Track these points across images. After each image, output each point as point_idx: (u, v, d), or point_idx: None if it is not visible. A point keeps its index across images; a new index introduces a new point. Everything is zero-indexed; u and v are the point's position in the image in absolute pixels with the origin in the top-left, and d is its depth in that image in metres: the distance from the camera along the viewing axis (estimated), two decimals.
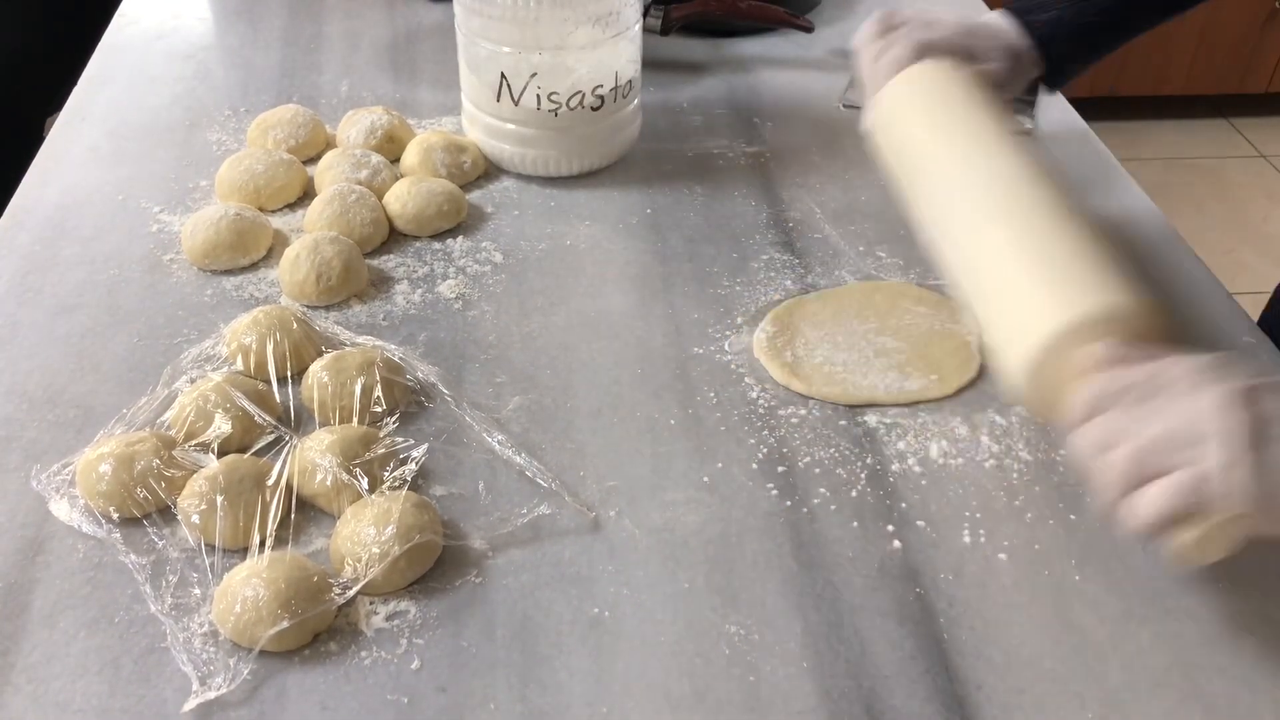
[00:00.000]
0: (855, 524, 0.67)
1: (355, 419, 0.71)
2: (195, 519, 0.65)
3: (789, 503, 0.69)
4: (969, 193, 0.74)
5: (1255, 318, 0.84)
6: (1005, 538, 0.67)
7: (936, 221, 0.76)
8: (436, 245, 0.90)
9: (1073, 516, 0.68)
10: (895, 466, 0.71)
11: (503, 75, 0.92)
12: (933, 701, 0.58)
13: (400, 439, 0.71)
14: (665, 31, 1.14)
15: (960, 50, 0.82)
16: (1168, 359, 0.59)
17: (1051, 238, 0.68)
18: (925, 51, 0.82)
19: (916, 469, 0.71)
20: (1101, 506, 0.59)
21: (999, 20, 0.86)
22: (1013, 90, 0.86)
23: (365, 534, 0.63)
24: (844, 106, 1.08)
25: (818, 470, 0.71)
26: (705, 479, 0.70)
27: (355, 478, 0.66)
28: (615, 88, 0.94)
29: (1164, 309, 0.64)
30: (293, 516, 0.66)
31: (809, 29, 1.18)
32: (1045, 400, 0.64)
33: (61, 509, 0.66)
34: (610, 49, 0.92)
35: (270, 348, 0.75)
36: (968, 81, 0.80)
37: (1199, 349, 0.60)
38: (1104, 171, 1.00)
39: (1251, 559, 0.65)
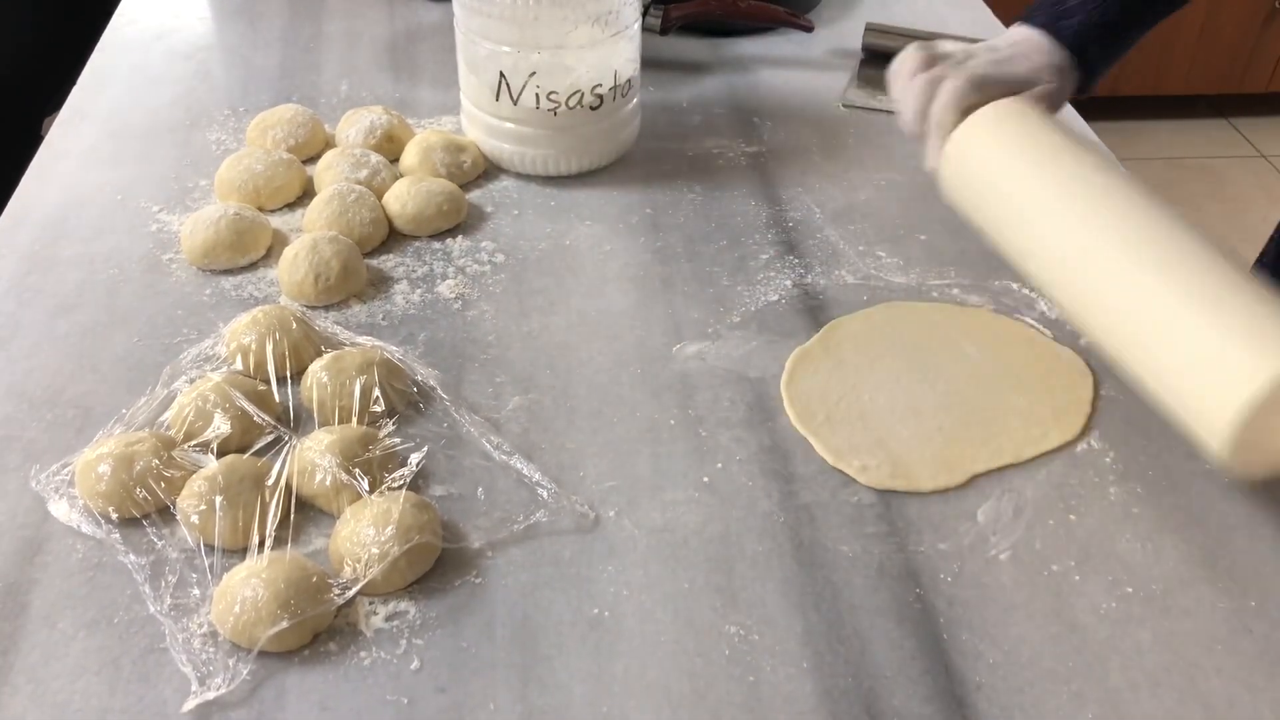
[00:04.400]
0: (855, 524, 0.67)
1: (355, 419, 0.71)
2: (194, 519, 0.64)
3: (789, 503, 0.69)
4: (1106, 239, 0.67)
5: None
6: (1005, 538, 0.67)
7: (1063, 272, 0.70)
8: (436, 245, 0.90)
9: (1073, 517, 0.68)
10: None
11: (502, 75, 0.92)
12: (933, 701, 0.58)
13: (400, 439, 0.71)
14: (665, 31, 1.14)
15: (1013, 79, 0.80)
16: None
17: (1221, 282, 0.62)
18: (980, 85, 0.78)
19: None
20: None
21: (1029, 36, 0.83)
22: (1059, 104, 0.83)
23: (365, 534, 0.62)
24: (844, 106, 1.08)
25: (817, 470, 0.71)
26: (705, 479, 0.70)
27: (355, 478, 0.66)
28: (615, 87, 0.94)
29: None
30: (292, 516, 0.66)
31: (809, 29, 1.18)
32: (1259, 454, 0.59)
33: (61, 509, 0.66)
34: (609, 48, 0.92)
35: (270, 348, 0.75)
36: (1046, 117, 0.76)
37: None
38: None
39: (1251, 559, 0.66)
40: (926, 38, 1.12)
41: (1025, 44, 0.83)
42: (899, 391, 0.76)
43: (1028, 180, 0.73)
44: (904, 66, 0.82)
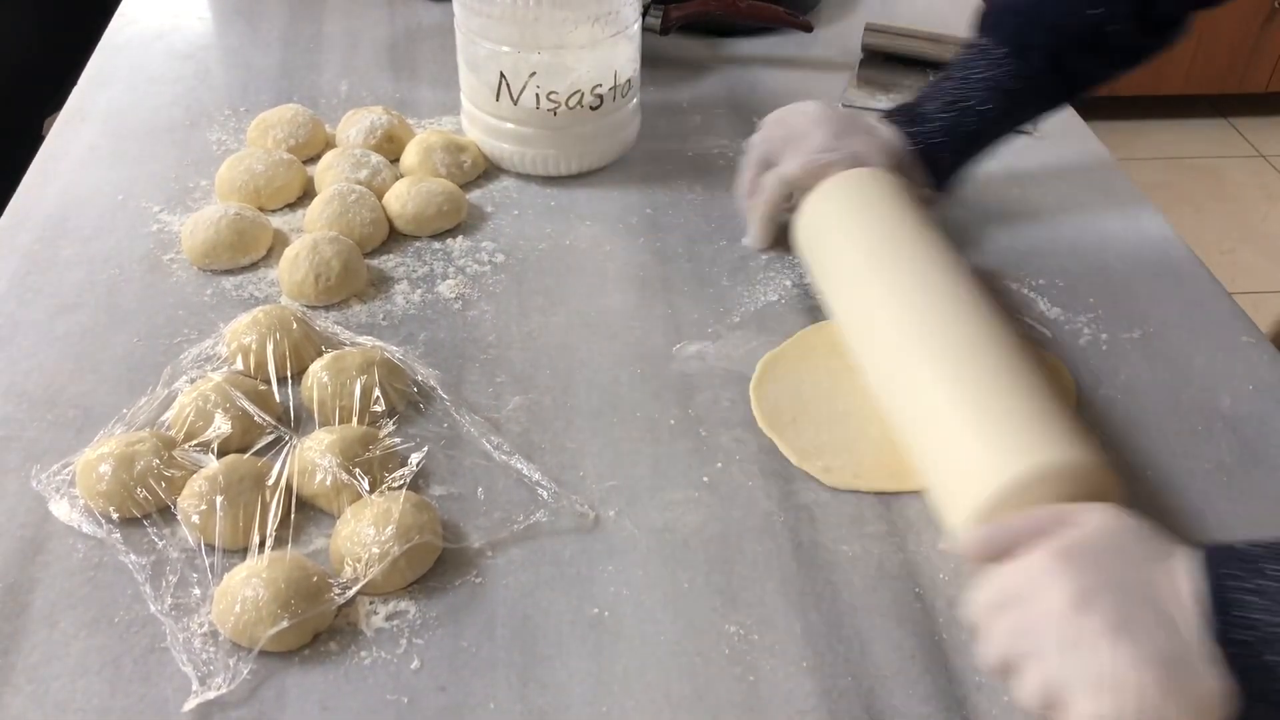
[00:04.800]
0: (855, 524, 0.67)
1: (355, 419, 0.71)
2: (195, 519, 0.65)
3: (789, 503, 0.69)
4: (899, 322, 0.71)
5: (1253, 317, 0.84)
6: None
7: (864, 346, 0.74)
8: (436, 245, 0.90)
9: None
10: None
11: (502, 75, 0.92)
12: (932, 701, 0.58)
13: (400, 439, 0.71)
14: (665, 31, 1.14)
15: (841, 161, 0.82)
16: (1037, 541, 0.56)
17: (991, 379, 0.65)
18: (802, 175, 0.83)
19: None
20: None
21: (878, 124, 0.87)
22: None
23: (365, 534, 0.63)
24: (843, 107, 1.08)
25: None
26: (705, 479, 0.70)
27: (355, 478, 0.66)
28: (614, 87, 0.94)
29: (1102, 469, 0.61)
30: (292, 516, 0.66)
31: (808, 29, 1.18)
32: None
33: (61, 509, 0.66)
34: (609, 48, 0.92)
35: (270, 348, 0.75)
36: (894, 189, 0.80)
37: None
38: (1103, 171, 1.00)
39: None
40: (926, 39, 1.12)
41: (867, 124, 0.86)
42: (870, 394, 0.75)
43: (844, 253, 0.78)
44: (750, 143, 0.89)
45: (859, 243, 0.77)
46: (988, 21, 0.87)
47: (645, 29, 1.10)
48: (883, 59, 1.15)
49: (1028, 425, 0.62)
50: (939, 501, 0.65)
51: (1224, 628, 0.51)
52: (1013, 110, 0.86)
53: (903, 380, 0.69)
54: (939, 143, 0.85)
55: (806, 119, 0.87)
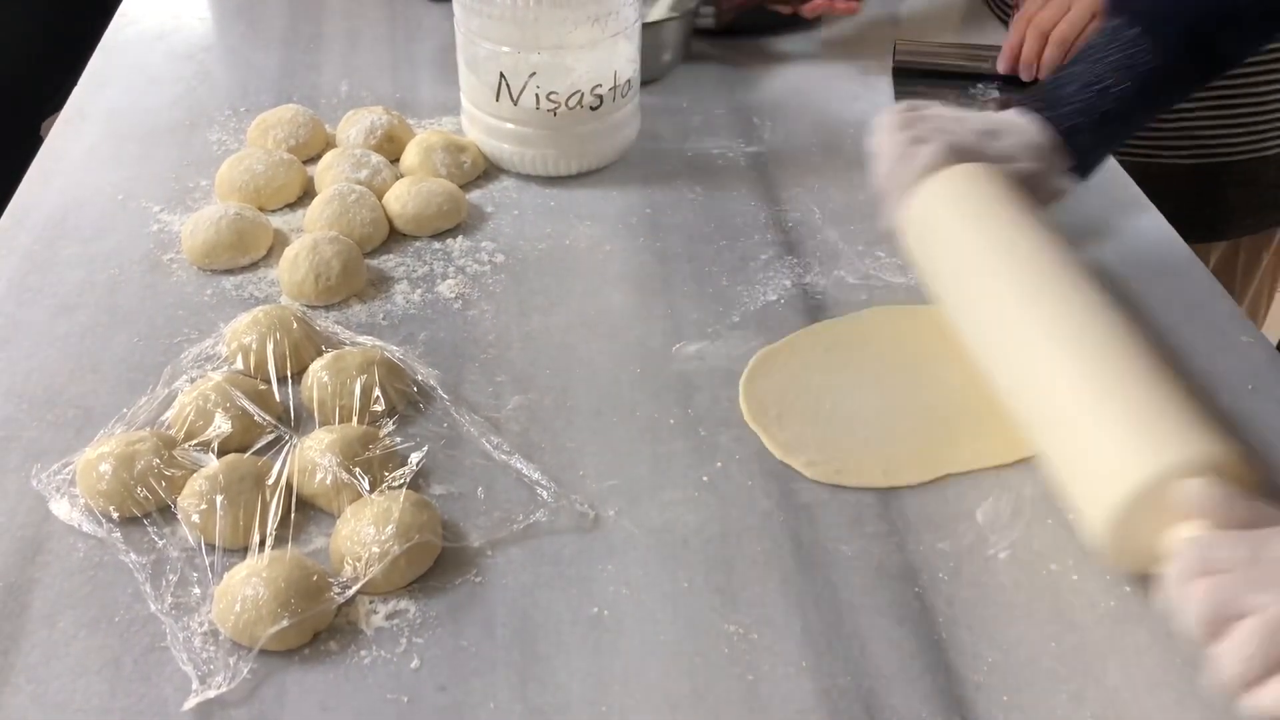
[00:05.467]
0: (854, 523, 0.67)
1: (355, 418, 0.71)
2: (195, 518, 0.65)
3: (788, 502, 0.69)
4: (1030, 314, 0.70)
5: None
6: (1004, 537, 0.67)
7: (987, 338, 0.72)
8: (436, 245, 0.90)
9: (1072, 516, 0.68)
10: None
11: (502, 75, 0.92)
12: (932, 701, 0.58)
13: (400, 439, 0.71)
14: (720, 27, 1.14)
15: (993, 153, 0.81)
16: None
17: (1130, 372, 0.64)
18: (958, 155, 0.80)
19: None
20: (1222, 680, 0.53)
21: (1019, 119, 0.84)
22: (1046, 187, 0.83)
23: (365, 533, 0.63)
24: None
25: None
26: (705, 479, 0.70)
27: (355, 477, 0.67)
28: (614, 87, 0.94)
29: (1257, 457, 0.60)
30: (292, 516, 0.66)
31: (854, 11, 1.18)
32: (1133, 550, 0.60)
33: (61, 508, 0.66)
34: (609, 48, 0.92)
35: (270, 347, 0.75)
36: (1009, 186, 0.78)
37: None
38: (1102, 171, 1.00)
39: None
40: (957, 49, 1.10)
41: (1013, 122, 0.84)
42: (864, 393, 0.75)
43: (968, 248, 0.75)
44: (889, 120, 0.84)
45: (983, 235, 0.75)
46: (1118, 1, 0.85)
47: (700, 29, 1.11)
48: (918, 75, 1.13)
49: (1179, 418, 0.61)
50: (1079, 499, 0.64)
51: None
52: (1151, 92, 0.84)
53: (1043, 373, 0.67)
54: (1079, 124, 0.83)
55: (946, 109, 0.85)
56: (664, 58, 1.10)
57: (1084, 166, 0.85)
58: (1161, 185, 1.00)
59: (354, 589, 0.61)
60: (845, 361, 0.78)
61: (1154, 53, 0.82)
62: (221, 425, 0.70)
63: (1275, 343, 0.84)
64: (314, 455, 0.67)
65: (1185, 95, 0.88)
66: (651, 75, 1.08)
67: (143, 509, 0.66)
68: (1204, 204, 1.21)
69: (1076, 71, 0.84)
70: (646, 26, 1.03)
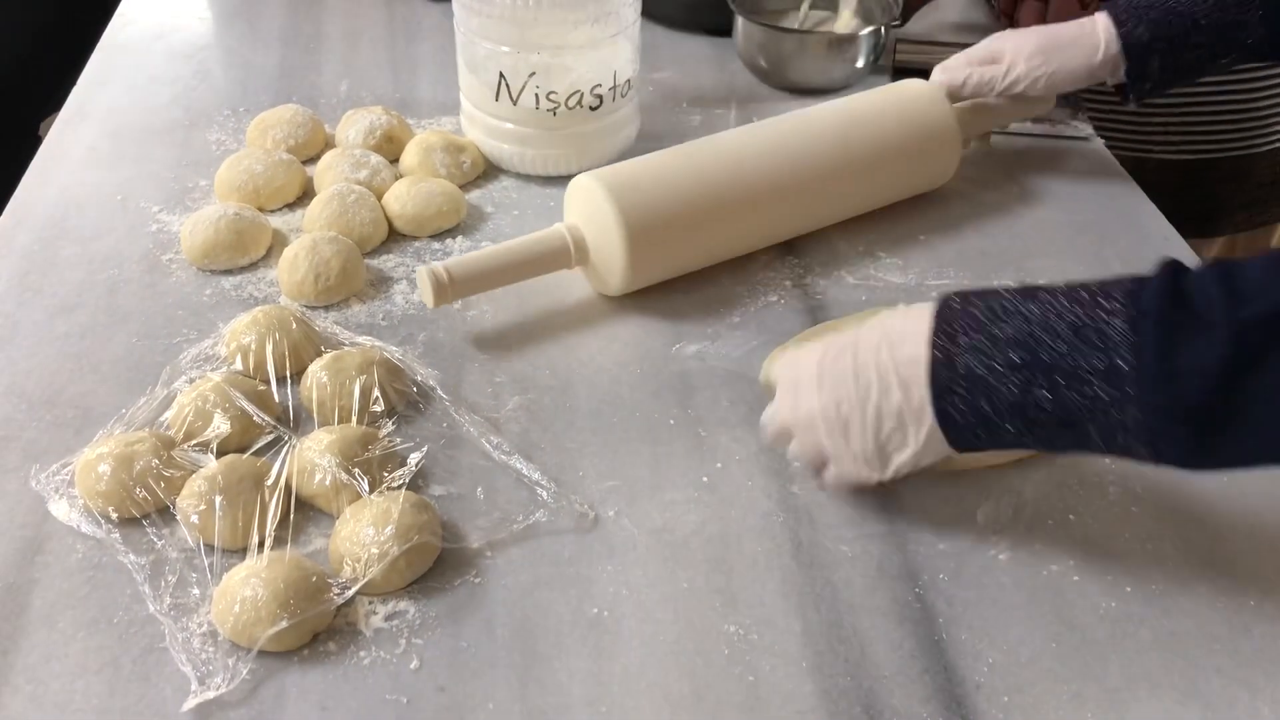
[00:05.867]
0: (854, 523, 0.67)
1: (354, 419, 0.71)
2: (194, 519, 0.64)
3: (788, 503, 0.69)
4: None
5: None
6: (1004, 537, 0.67)
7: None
8: (436, 245, 0.90)
9: (1072, 517, 0.68)
10: None
11: (501, 75, 0.92)
12: (932, 701, 0.58)
13: (399, 439, 0.71)
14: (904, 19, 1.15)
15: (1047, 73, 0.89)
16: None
17: None
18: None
19: None
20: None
21: (1094, 17, 0.89)
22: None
23: (364, 534, 0.63)
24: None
25: None
26: (705, 479, 0.70)
27: (354, 478, 0.66)
28: (614, 87, 0.94)
29: None
30: (292, 516, 0.66)
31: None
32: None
33: (60, 509, 0.66)
34: (609, 48, 0.92)
35: (269, 348, 0.75)
36: None
37: None
38: (1102, 170, 1.00)
39: (1251, 559, 0.66)
40: (959, 49, 1.10)
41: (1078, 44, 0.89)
42: None
43: None
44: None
45: None
46: None
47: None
48: (919, 74, 1.12)
49: None
50: None
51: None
52: (1229, 30, 0.87)
53: None
54: (1146, 43, 0.87)
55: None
56: (858, 65, 1.11)
57: (1138, 85, 0.89)
58: (1154, 181, 1.00)
59: (353, 590, 0.61)
60: None
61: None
62: (220, 426, 0.69)
63: None
64: (313, 456, 0.67)
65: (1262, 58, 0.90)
66: (847, 83, 1.11)
67: (142, 510, 0.66)
68: (1196, 199, 1.22)
69: None
70: (846, 39, 1.08)
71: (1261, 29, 0.85)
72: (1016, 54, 0.91)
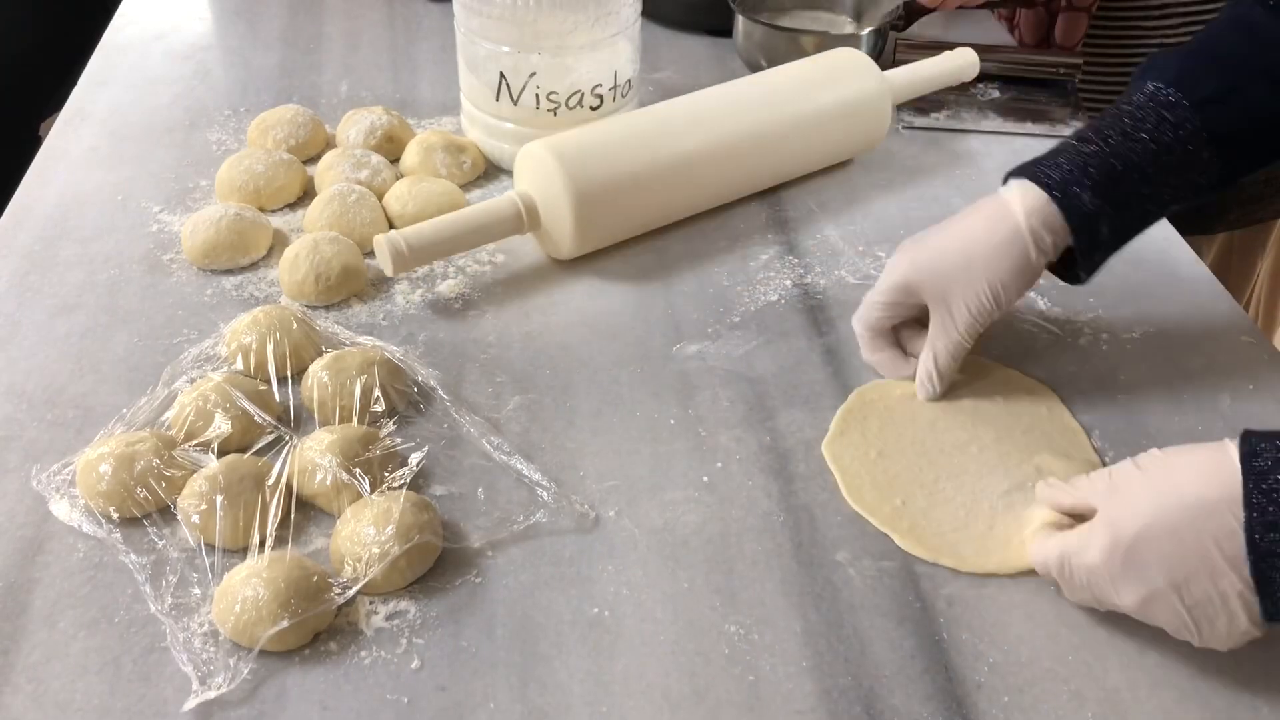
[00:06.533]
0: (855, 523, 0.67)
1: (355, 419, 0.71)
2: (195, 519, 0.65)
3: (788, 502, 0.69)
4: None
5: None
6: None
7: None
8: None
9: None
10: None
11: (502, 75, 0.92)
12: (932, 701, 0.58)
13: (400, 439, 0.71)
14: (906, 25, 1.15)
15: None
16: None
17: None
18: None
19: None
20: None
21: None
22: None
23: (365, 534, 0.63)
24: (902, 129, 1.06)
25: (817, 470, 0.71)
26: (705, 479, 0.70)
27: (355, 478, 0.66)
28: (614, 87, 0.94)
29: None
30: (292, 516, 0.66)
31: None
32: None
33: (61, 509, 0.66)
34: (609, 48, 0.92)
35: (270, 347, 0.75)
36: None
37: None
38: None
39: None
40: (953, 46, 1.10)
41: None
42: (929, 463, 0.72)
43: None
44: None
45: None
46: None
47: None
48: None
49: None
50: None
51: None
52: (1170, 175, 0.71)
53: None
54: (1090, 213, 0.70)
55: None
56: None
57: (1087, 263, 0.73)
58: None
59: (354, 590, 0.61)
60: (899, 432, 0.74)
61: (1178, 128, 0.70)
62: (221, 426, 0.69)
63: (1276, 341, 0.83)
64: (314, 456, 0.67)
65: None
66: None
67: (142, 509, 0.66)
68: None
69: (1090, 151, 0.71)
70: (846, 39, 1.09)
71: (1216, 163, 0.71)
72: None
